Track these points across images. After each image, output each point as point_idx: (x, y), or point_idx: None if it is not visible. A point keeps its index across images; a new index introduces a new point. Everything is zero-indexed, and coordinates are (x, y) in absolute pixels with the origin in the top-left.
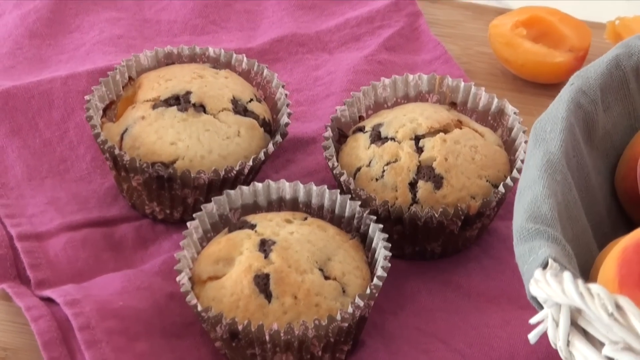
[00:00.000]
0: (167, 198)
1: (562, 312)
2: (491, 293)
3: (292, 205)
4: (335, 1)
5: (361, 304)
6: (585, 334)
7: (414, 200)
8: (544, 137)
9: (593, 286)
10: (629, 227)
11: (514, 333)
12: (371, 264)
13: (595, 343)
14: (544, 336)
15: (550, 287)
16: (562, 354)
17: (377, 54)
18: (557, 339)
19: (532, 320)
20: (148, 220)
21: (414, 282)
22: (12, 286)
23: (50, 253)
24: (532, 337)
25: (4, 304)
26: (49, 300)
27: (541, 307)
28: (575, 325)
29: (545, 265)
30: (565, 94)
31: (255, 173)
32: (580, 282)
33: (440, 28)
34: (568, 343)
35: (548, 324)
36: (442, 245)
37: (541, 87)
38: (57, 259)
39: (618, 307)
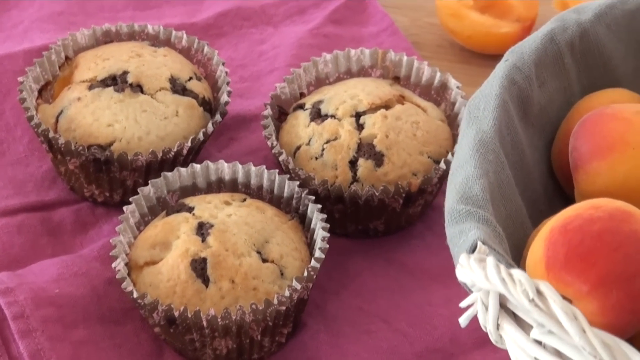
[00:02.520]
0: (106, 181)
1: (491, 297)
2: (434, 270)
3: (232, 186)
4: None
5: (298, 287)
6: (515, 317)
7: (354, 179)
8: (477, 115)
9: (515, 271)
10: (565, 203)
11: (456, 311)
12: (310, 244)
13: (525, 326)
14: None
15: (474, 272)
16: (492, 337)
17: (323, 27)
18: (487, 323)
19: (462, 304)
20: (88, 203)
21: (357, 261)
22: None
23: None
24: (463, 320)
25: None
26: None
27: (471, 291)
28: (505, 308)
29: (474, 248)
30: (499, 71)
31: (195, 153)
32: (502, 267)
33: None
34: (498, 326)
35: (477, 307)
36: (385, 223)
37: (489, 58)
38: None
39: (539, 292)
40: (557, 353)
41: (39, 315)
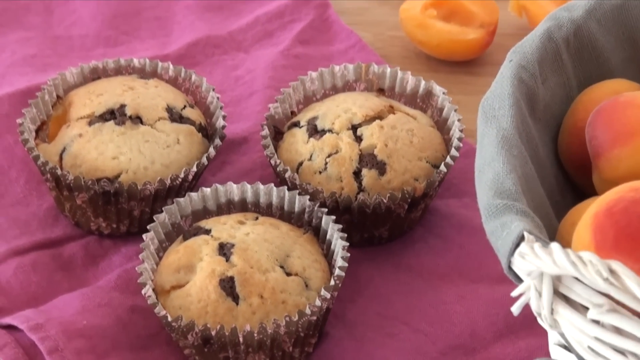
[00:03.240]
0: (114, 212)
1: (545, 282)
2: (441, 271)
3: (241, 206)
4: (242, 0)
5: (328, 295)
6: (567, 301)
7: (360, 189)
8: (493, 114)
9: (584, 254)
10: (575, 193)
11: (471, 307)
12: (327, 255)
13: (578, 308)
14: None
15: (540, 258)
16: (546, 322)
17: (292, 48)
18: (542, 308)
19: (514, 293)
20: (94, 236)
21: (367, 268)
22: None
23: (1, 280)
24: (516, 309)
25: None
26: (9, 328)
27: (519, 280)
28: (557, 293)
29: (520, 239)
30: (506, 71)
31: (197, 179)
32: (570, 251)
33: (349, 17)
34: (552, 311)
35: (531, 294)
36: (390, 229)
37: (455, 64)
38: (9, 285)
39: (612, 271)
40: (617, 330)
41: (72, 348)
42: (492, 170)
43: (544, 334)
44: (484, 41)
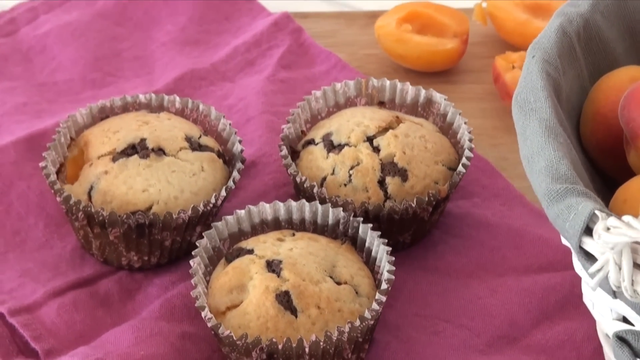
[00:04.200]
0: (146, 245)
1: (625, 254)
2: (467, 269)
3: (275, 225)
4: (215, 33)
5: (383, 299)
6: None
7: (386, 197)
8: (531, 107)
9: None
10: (601, 177)
11: (505, 299)
12: (367, 263)
13: None
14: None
15: (632, 229)
16: (627, 293)
17: (277, 74)
18: (622, 280)
19: (592, 270)
20: (124, 271)
21: (397, 273)
22: None
23: (46, 322)
24: (594, 284)
25: None
26: None
27: (589, 260)
28: (636, 265)
29: (590, 217)
30: (533, 66)
31: (222, 203)
32: None
33: (321, 39)
34: (632, 282)
35: (610, 268)
36: (413, 234)
37: (434, 75)
38: (55, 326)
39: None
40: None
41: None
42: (544, 158)
43: (577, 317)
44: (460, 50)
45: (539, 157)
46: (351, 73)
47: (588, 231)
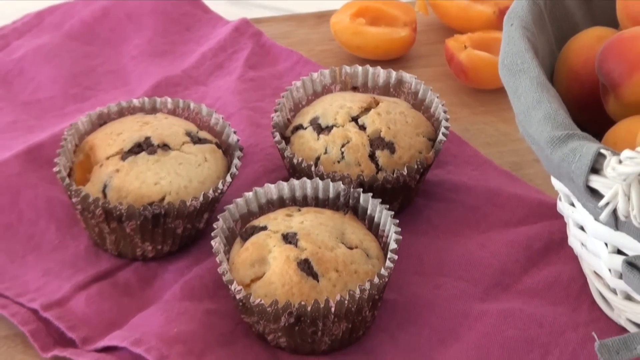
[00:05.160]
0: (160, 234)
1: (634, 185)
2: (454, 228)
3: (280, 203)
4: (180, 43)
5: (395, 257)
6: None
7: (378, 169)
8: (519, 68)
9: None
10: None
11: (494, 251)
12: (370, 229)
13: None
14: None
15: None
16: (636, 222)
17: (245, 74)
18: (632, 209)
19: (601, 203)
20: (138, 262)
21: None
22: (62, 351)
23: (78, 313)
24: (604, 217)
25: None
26: (103, 351)
27: (597, 195)
28: None
29: (596, 157)
30: (514, 33)
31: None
32: None
33: (279, 40)
34: None
35: (619, 199)
36: (401, 202)
37: (389, 63)
38: (87, 316)
39: None
40: None
41: (175, 353)
42: (541, 111)
43: (560, 261)
44: (412, 37)
45: (535, 110)
46: (314, 67)
47: (594, 170)
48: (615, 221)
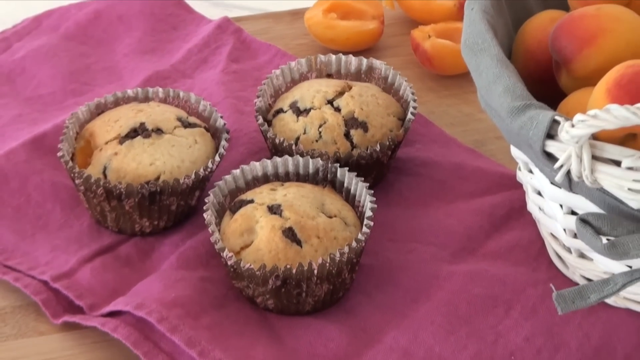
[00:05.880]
0: (156, 211)
1: (585, 148)
2: (423, 200)
3: (264, 179)
4: (167, 41)
5: (371, 224)
6: (603, 160)
7: (353, 146)
8: (481, 47)
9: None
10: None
11: (460, 219)
12: (347, 200)
13: (611, 164)
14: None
15: (598, 120)
16: (588, 181)
17: (228, 67)
18: (583, 169)
19: (556, 165)
20: (137, 237)
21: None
22: (72, 317)
23: (84, 283)
24: (559, 178)
25: (63, 335)
26: (109, 316)
27: (552, 159)
28: (594, 157)
29: (552, 123)
30: (474, 16)
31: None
32: (627, 105)
33: (258, 36)
34: (592, 170)
35: (572, 161)
36: (374, 177)
37: (357, 53)
38: (92, 286)
39: None
40: None
41: (174, 315)
42: (502, 84)
43: (519, 227)
44: (380, 30)
45: (495, 84)
46: (291, 59)
47: (550, 136)
48: (569, 183)
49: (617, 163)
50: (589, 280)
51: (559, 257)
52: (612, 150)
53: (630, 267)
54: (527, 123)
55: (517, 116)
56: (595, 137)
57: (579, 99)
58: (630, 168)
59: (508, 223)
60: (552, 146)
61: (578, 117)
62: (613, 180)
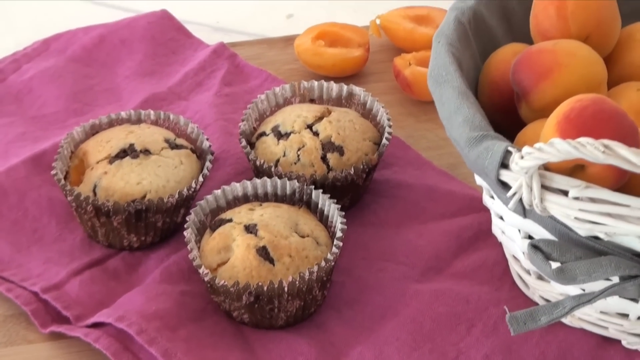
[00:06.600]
0: (143, 227)
1: (534, 177)
2: (397, 220)
3: (244, 199)
4: (166, 65)
5: (340, 244)
6: (551, 190)
7: (329, 169)
8: (444, 79)
9: (581, 139)
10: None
11: (429, 239)
12: (321, 220)
13: (560, 193)
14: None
15: (543, 153)
16: (537, 209)
17: (221, 90)
18: (533, 199)
19: (509, 194)
20: (126, 251)
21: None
22: (58, 327)
23: (72, 295)
24: (511, 205)
25: (51, 344)
26: (93, 327)
27: (507, 187)
28: (543, 186)
29: (505, 153)
30: (440, 49)
31: (199, 189)
32: (569, 140)
33: (251, 61)
34: (542, 199)
35: (523, 190)
36: (351, 198)
37: (345, 79)
38: (79, 297)
39: (606, 146)
40: (591, 200)
41: (152, 327)
42: (461, 115)
43: (486, 248)
44: (364, 57)
45: (456, 115)
46: (280, 83)
47: (503, 166)
48: (522, 209)
49: (565, 193)
50: (547, 300)
51: (520, 278)
52: (560, 181)
53: (584, 290)
54: (483, 153)
55: (475, 146)
56: (546, 167)
57: (535, 130)
58: (576, 198)
59: (475, 244)
60: (506, 175)
61: (525, 149)
62: (561, 209)
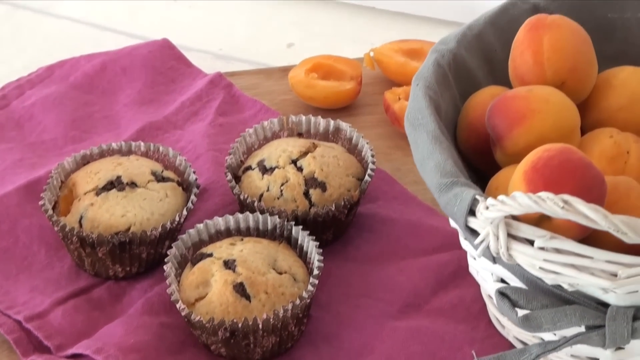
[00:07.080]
0: (127, 258)
1: (500, 227)
2: (378, 255)
3: (227, 233)
4: (165, 93)
5: (316, 282)
6: (517, 239)
7: (311, 205)
8: (420, 122)
9: (541, 194)
10: (475, 173)
11: (409, 275)
12: (300, 256)
13: (526, 242)
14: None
15: (506, 204)
16: (504, 257)
17: (216, 120)
18: (500, 247)
19: (476, 241)
20: (111, 281)
21: (324, 263)
22: (39, 356)
23: (54, 324)
24: (479, 252)
25: None
26: (73, 357)
27: (475, 234)
28: (509, 235)
29: (473, 201)
30: (418, 92)
31: (184, 221)
32: (530, 194)
33: (247, 91)
34: (507, 248)
35: (490, 239)
36: (334, 232)
37: (337, 111)
38: (62, 327)
39: (565, 201)
40: (557, 250)
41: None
42: (433, 160)
43: (465, 285)
44: (356, 90)
45: (428, 159)
46: (273, 114)
47: (472, 212)
48: (491, 256)
49: (531, 242)
50: (521, 342)
51: (496, 317)
52: (526, 230)
53: (555, 334)
54: (452, 199)
55: (445, 192)
56: (514, 215)
57: (507, 175)
58: (542, 248)
59: (454, 281)
60: (474, 222)
61: (490, 201)
62: (527, 259)
